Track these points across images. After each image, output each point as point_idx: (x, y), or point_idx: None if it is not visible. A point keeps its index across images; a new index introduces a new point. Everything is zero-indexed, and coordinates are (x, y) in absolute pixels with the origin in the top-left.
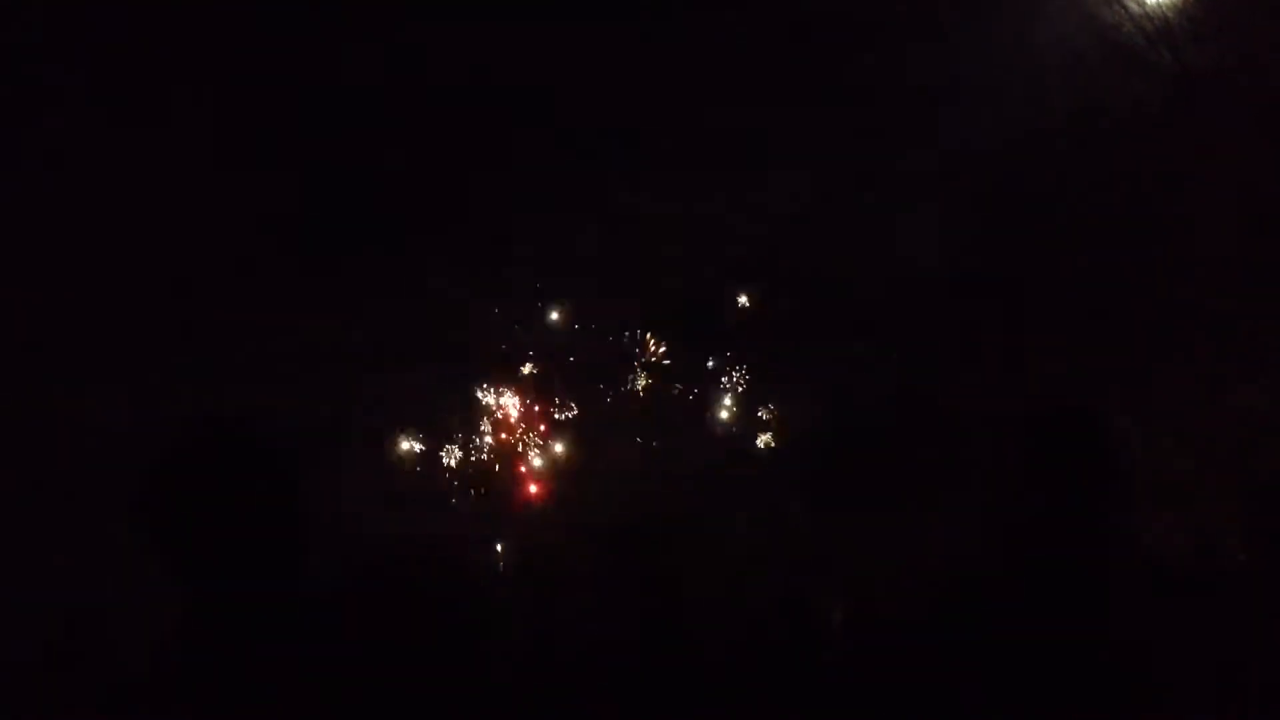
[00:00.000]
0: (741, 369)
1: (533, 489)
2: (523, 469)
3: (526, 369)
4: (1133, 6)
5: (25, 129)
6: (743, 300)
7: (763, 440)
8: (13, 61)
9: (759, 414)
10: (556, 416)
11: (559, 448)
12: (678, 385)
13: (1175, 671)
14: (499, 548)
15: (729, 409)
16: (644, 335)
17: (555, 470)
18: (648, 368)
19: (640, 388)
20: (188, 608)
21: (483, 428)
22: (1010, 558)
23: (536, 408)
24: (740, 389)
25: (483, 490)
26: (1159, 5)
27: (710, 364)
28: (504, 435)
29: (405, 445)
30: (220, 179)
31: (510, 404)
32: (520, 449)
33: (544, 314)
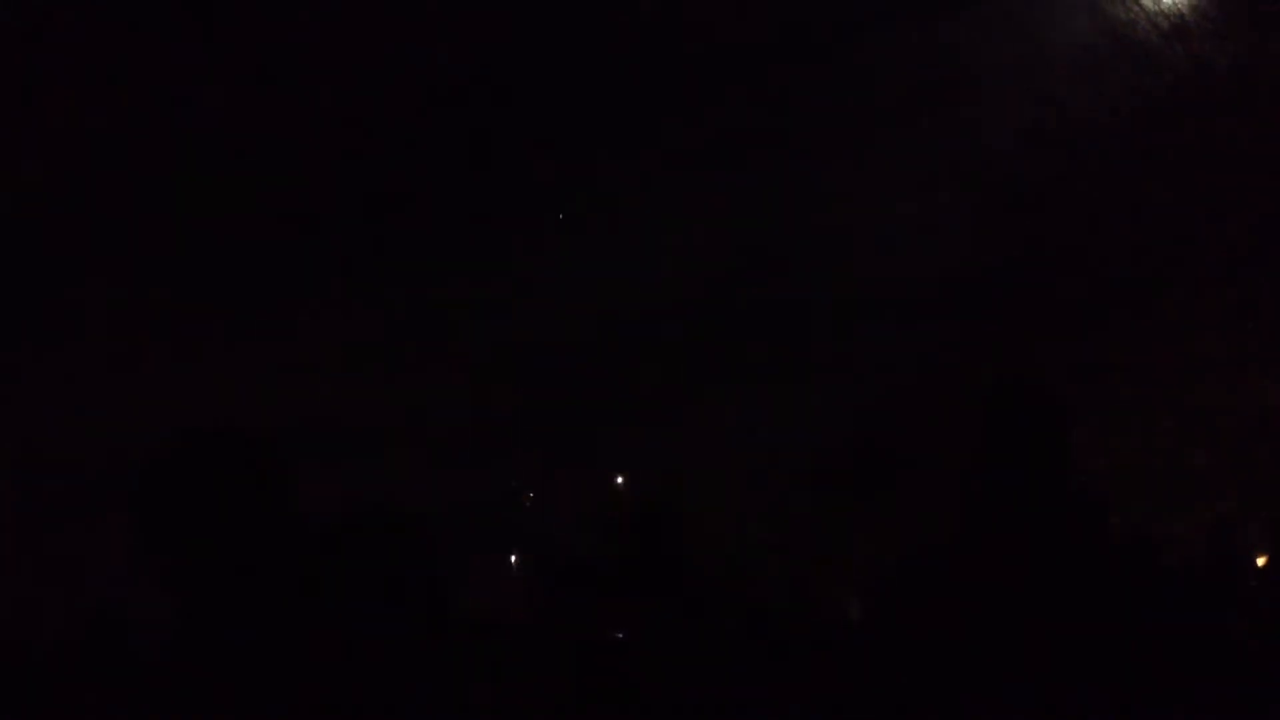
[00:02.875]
0: (746, 365)
1: (540, 485)
2: (529, 465)
3: (533, 363)
4: (1147, 3)
5: (27, 125)
6: (745, 298)
7: (769, 435)
8: (15, 58)
9: (764, 410)
10: (563, 412)
11: (564, 443)
12: (683, 383)
13: (1186, 660)
14: (508, 543)
15: (735, 405)
16: (645, 330)
17: (561, 466)
18: (653, 364)
19: (646, 386)
20: (191, 606)
21: (488, 425)
22: (1006, 547)
23: (544, 403)
24: (745, 384)
25: (490, 487)
26: (1173, 2)
27: (714, 361)
28: (508, 433)
29: (409, 445)
30: (224, 179)
31: (518, 400)
32: (526, 445)
33: (550, 310)
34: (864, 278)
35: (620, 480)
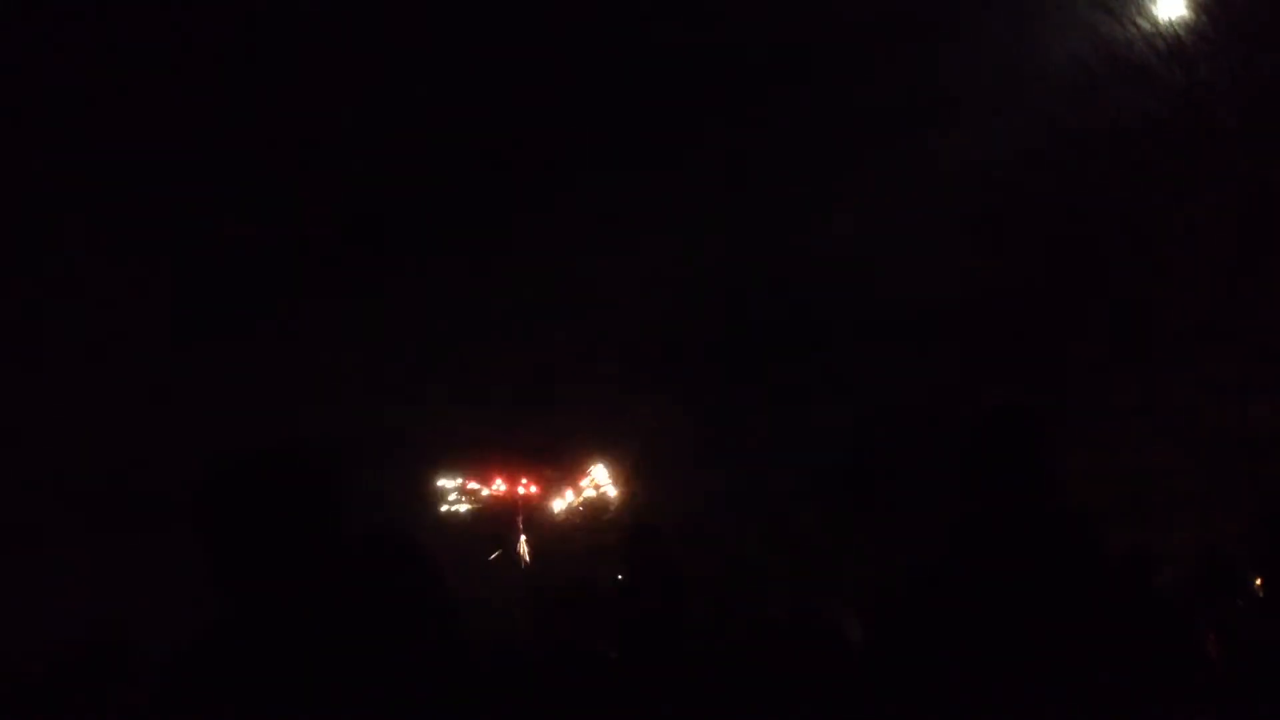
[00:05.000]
0: (752, 385)
1: (545, 498)
2: (535, 478)
3: (545, 378)
4: (1145, 25)
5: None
6: (750, 316)
7: (776, 453)
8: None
9: (772, 429)
10: (570, 426)
11: (573, 457)
12: (689, 399)
13: (1177, 679)
14: (519, 559)
15: (742, 424)
16: (646, 343)
17: (567, 479)
18: (661, 381)
19: (654, 401)
20: (222, 616)
21: (501, 437)
22: (999, 565)
23: (554, 417)
24: (752, 404)
25: (503, 499)
26: (1170, 24)
27: (719, 381)
28: (518, 444)
29: (435, 457)
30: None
31: (526, 411)
32: (534, 458)
33: (565, 328)
34: (860, 297)
35: (618, 493)
